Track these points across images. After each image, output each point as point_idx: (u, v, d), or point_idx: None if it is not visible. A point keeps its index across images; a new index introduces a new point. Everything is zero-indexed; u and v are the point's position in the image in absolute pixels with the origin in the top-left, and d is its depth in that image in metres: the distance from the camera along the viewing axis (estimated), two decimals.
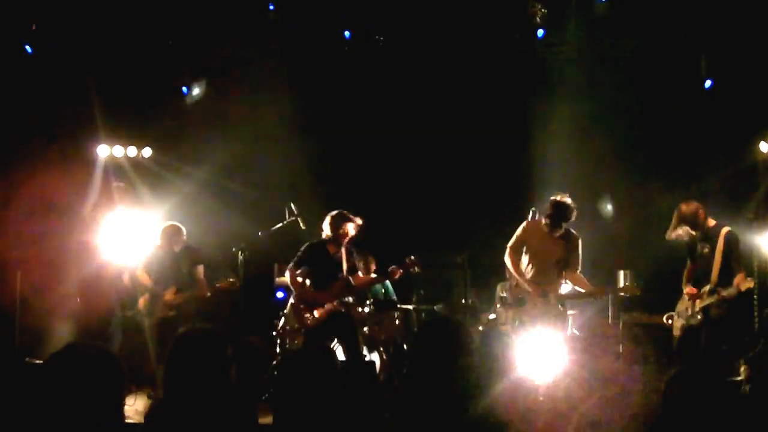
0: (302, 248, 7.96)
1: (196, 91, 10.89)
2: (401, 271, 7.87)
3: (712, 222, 7.67)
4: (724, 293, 7.36)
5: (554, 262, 7.62)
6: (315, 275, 7.95)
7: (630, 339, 8.95)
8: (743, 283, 7.32)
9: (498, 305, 9.25)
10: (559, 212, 7.51)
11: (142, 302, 8.61)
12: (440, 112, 10.69)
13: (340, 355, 7.55)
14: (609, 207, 11.24)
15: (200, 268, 8.68)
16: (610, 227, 10.62)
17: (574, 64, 10.53)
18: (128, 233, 9.72)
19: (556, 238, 7.61)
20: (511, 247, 7.75)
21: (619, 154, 10.65)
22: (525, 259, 7.73)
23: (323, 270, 7.91)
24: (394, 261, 8.00)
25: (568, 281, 7.76)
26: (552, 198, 7.60)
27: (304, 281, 7.97)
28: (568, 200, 7.56)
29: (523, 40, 10.30)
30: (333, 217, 7.88)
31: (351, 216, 7.89)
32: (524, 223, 7.80)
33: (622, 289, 8.02)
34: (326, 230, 7.90)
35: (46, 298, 8.88)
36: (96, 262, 8.55)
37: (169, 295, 8.49)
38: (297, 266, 7.92)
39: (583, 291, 7.81)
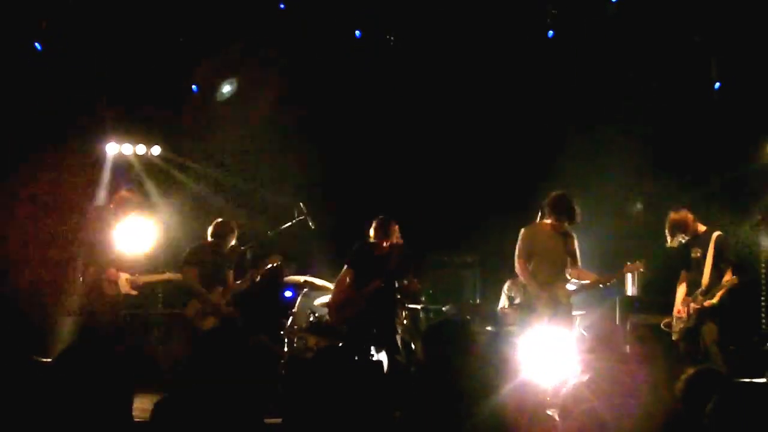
0: None
1: (227, 88, 10.87)
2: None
3: (702, 227, 7.85)
4: (714, 300, 7.52)
5: (561, 260, 7.63)
6: None
7: (637, 339, 8.96)
8: (729, 280, 7.53)
9: (506, 305, 9.23)
10: (564, 204, 7.59)
11: (192, 307, 8.12)
12: (451, 112, 10.68)
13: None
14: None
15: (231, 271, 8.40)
16: (618, 227, 10.59)
17: (584, 64, 10.50)
18: (135, 233, 9.71)
19: (559, 235, 7.63)
20: (519, 256, 7.70)
21: (628, 156, 10.62)
22: (533, 262, 7.70)
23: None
24: None
25: (573, 278, 7.73)
26: (554, 193, 7.67)
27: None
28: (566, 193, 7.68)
29: (534, 40, 10.28)
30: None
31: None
32: (523, 230, 7.76)
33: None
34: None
35: (53, 297, 8.89)
36: (102, 261, 8.54)
37: (216, 298, 8.10)
38: None
39: (590, 281, 7.88)
